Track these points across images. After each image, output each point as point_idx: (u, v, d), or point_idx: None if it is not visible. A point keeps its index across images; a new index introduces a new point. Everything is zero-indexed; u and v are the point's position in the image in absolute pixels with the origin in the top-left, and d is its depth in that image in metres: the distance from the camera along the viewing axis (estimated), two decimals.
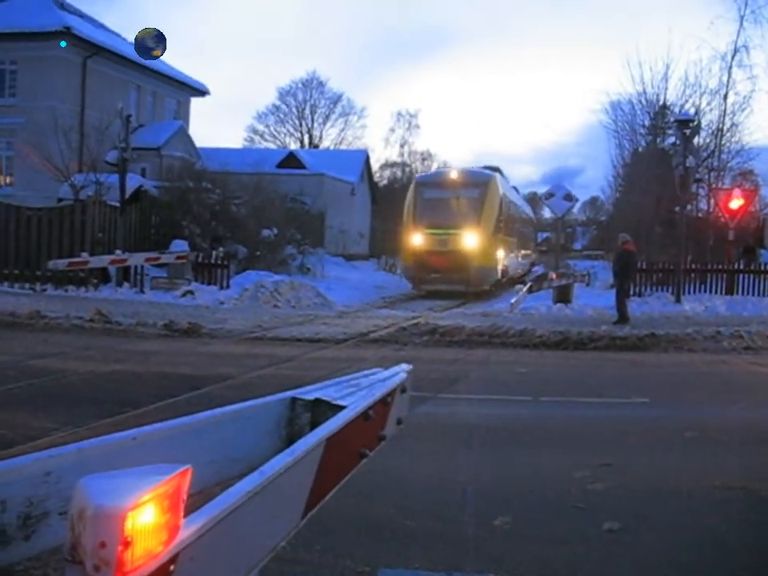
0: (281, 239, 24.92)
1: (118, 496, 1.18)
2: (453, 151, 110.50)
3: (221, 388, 7.85)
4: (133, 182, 21.85)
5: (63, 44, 26.94)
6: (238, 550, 1.50)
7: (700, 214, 28.03)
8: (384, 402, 2.32)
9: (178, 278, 19.04)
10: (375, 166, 52.35)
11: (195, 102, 37.12)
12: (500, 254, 24.51)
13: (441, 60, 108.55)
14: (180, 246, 20.30)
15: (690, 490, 4.93)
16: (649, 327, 13.61)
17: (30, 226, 18.93)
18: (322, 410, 2.19)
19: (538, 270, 31.79)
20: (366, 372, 2.58)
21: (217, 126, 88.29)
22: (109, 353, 10.33)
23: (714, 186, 27.53)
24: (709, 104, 29.21)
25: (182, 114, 35.69)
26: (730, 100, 28.89)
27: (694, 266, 21.03)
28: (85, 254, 17.88)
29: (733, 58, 28.54)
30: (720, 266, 20.90)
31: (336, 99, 59.42)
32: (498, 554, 3.88)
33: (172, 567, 1.26)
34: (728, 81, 28.67)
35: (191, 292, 17.89)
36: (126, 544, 1.18)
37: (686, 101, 29.25)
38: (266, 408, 2.16)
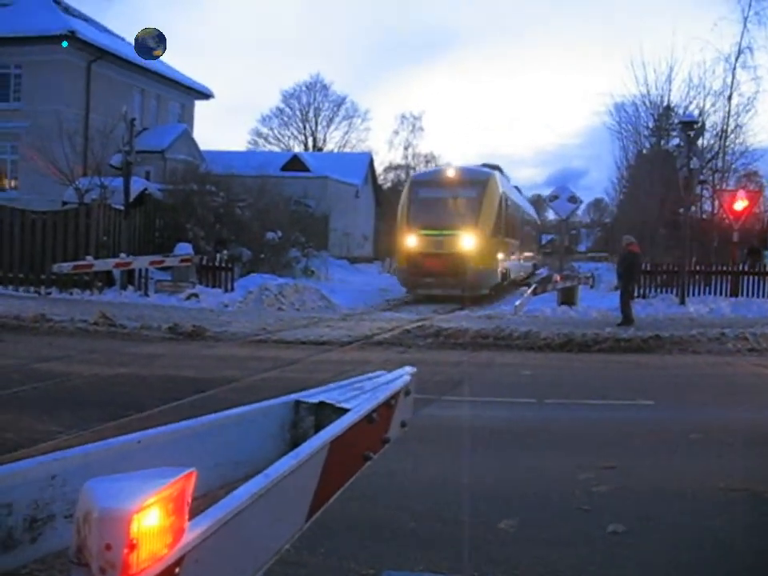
0: (285, 242, 24.92)
1: (124, 499, 1.19)
2: (457, 153, 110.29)
3: (225, 391, 7.86)
4: (137, 185, 21.87)
5: (65, 44, 26.99)
6: (242, 553, 1.51)
7: (704, 216, 28.03)
8: (388, 405, 2.32)
9: (183, 281, 19.05)
10: (379, 168, 52.46)
11: (199, 105, 37.24)
12: (500, 256, 23.59)
13: (444, 62, 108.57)
14: (184, 249, 20.33)
15: (694, 492, 4.92)
16: (653, 329, 13.59)
17: (35, 229, 18.97)
18: (326, 413, 2.20)
19: (543, 272, 31.68)
20: (369, 375, 2.58)
21: (221, 128, 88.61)
22: (113, 356, 10.35)
23: (718, 187, 27.48)
24: (713, 105, 29.19)
25: (186, 117, 35.74)
26: (734, 101, 28.86)
27: (698, 268, 21.01)
28: (89, 258, 17.92)
29: (737, 59, 28.51)
30: (724, 268, 20.86)
31: (340, 102, 59.55)
32: (502, 556, 3.88)
33: (177, 569, 1.27)
34: (732, 82, 28.65)
35: (195, 295, 17.92)
36: (132, 546, 1.18)
37: (690, 102, 29.23)
38: (270, 411, 2.16)
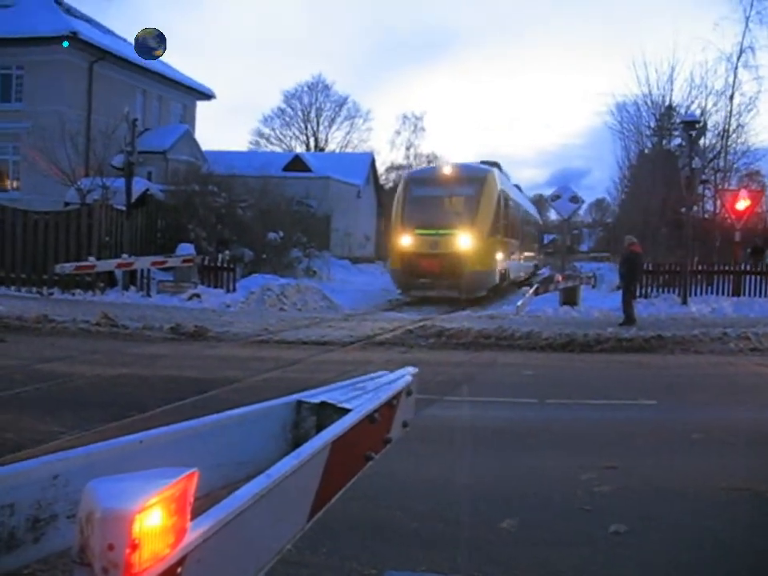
0: (287, 242, 24.93)
1: (126, 499, 1.20)
2: (459, 154, 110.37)
3: (227, 391, 7.87)
4: (139, 185, 21.90)
5: (66, 44, 27.02)
6: (244, 553, 1.51)
7: (706, 216, 28.01)
8: (389, 405, 2.33)
9: (185, 281, 19.08)
10: (381, 168, 52.49)
11: (201, 106, 37.28)
12: (498, 256, 22.79)
13: (446, 62, 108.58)
14: (186, 249, 20.35)
15: (696, 492, 4.92)
16: (655, 329, 13.58)
17: (37, 230, 18.99)
18: (328, 413, 2.20)
19: (545, 272, 31.59)
20: (371, 375, 2.58)
21: (222, 129, 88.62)
22: (115, 356, 10.36)
23: (720, 187, 27.48)
24: (715, 105, 29.21)
25: (188, 117, 35.78)
26: (735, 101, 28.88)
27: (700, 268, 21.00)
28: (92, 258, 17.95)
29: (738, 58, 28.54)
30: (727, 268, 20.86)
31: (341, 102, 59.61)
32: (503, 556, 3.88)
33: (179, 569, 1.27)
34: (734, 82, 28.67)
35: (197, 295, 17.94)
36: (134, 546, 1.19)
37: (692, 102, 29.25)
38: (271, 411, 2.17)
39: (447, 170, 22.78)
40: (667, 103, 30.78)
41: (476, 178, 22.44)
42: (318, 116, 59.29)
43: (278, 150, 54.70)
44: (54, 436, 5.66)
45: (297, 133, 59.50)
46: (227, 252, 21.19)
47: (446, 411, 7.37)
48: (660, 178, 27.05)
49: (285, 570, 3.18)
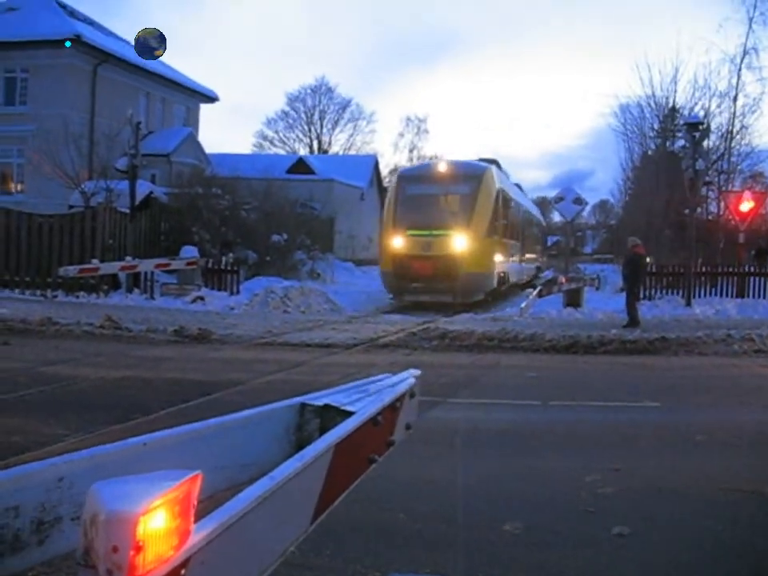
0: (290, 245, 24.96)
1: (130, 501, 1.20)
2: (462, 155, 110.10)
3: (231, 393, 7.88)
4: (143, 188, 21.96)
5: (68, 44, 27.08)
6: (248, 555, 1.52)
7: (710, 217, 27.97)
8: (393, 408, 2.33)
9: (188, 284, 19.12)
10: (384, 171, 52.50)
11: (204, 109, 37.34)
12: (497, 258, 21.55)
13: (449, 64, 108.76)
14: (190, 252, 20.40)
15: (700, 494, 4.92)
16: (659, 331, 13.56)
17: (41, 233, 19.06)
18: (331, 415, 2.21)
19: (548, 274, 31.49)
20: (374, 377, 2.59)
21: (226, 131, 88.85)
22: (119, 359, 10.38)
23: (723, 188, 27.47)
24: (718, 106, 29.22)
25: (192, 120, 35.84)
26: (739, 102, 28.89)
27: (704, 269, 20.96)
28: (95, 261, 17.99)
29: (742, 60, 28.55)
30: (730, 269, 20.81)
31: (345, 104, 59.75)
32: (507, 558, 3.88)
33: (183, 571, 1.28)
34: (737, 83, 28.68)
35: (201, 298, 17.96)
36: (138, 548, 1.20)
37: (696, 103, 29.25)
38: (275, 414, 2.17)
39: (442, 167, 21.53)
40: (671, 105, 30.83)
41: (472, 175, 21.24)
42: (321, 118, 59.49)
43: (281, 152, 54.87)
44: (58, 438, 5.68)
45: (300, 135, 59.69)
46: (231, 254, 21.21)
47: (450, 413, 7.37)
48: (663, 179, 27.06)
49: (288, 572, 3.18)
